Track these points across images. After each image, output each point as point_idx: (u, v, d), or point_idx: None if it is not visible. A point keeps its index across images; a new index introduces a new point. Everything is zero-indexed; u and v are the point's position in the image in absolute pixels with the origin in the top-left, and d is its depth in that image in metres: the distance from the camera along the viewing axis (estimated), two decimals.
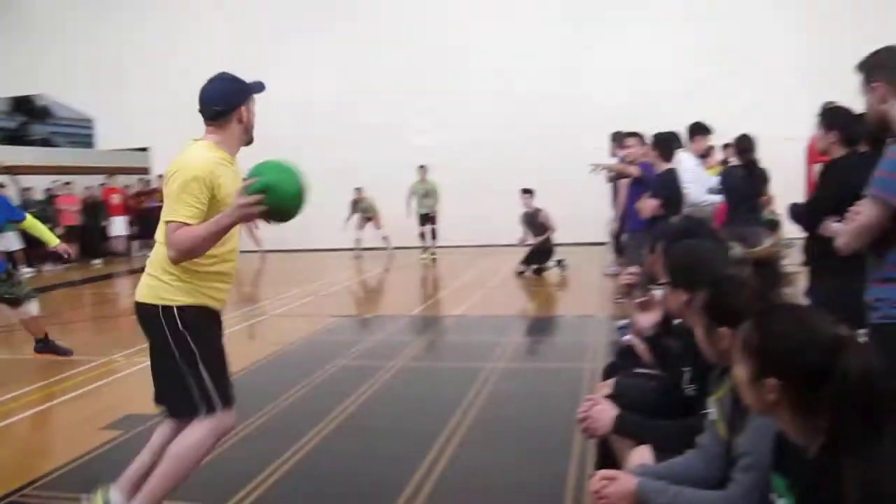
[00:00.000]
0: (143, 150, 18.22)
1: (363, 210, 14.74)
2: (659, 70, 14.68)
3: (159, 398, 3.13)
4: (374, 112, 16.02)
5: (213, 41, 16.71)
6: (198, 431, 3.00)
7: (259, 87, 3.32)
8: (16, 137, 20.36)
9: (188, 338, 2.99)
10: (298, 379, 5.57)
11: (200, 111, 3.13)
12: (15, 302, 6.71)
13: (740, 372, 1.66)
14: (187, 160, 2.97)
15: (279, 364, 6.39)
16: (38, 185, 16.30)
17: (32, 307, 6.74)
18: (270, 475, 3.75)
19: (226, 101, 3.11)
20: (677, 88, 14.56)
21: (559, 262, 10.80)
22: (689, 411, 2.46)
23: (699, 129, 7.38)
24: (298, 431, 4.36)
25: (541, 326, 7.43)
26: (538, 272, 11.04)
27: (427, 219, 14.09)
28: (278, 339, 7.24)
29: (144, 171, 18.28)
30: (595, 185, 14.19)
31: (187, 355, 2.97)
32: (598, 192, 14.13)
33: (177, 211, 2.82)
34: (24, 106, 22.16)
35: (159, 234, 2.99)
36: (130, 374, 6.25)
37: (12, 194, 15.16)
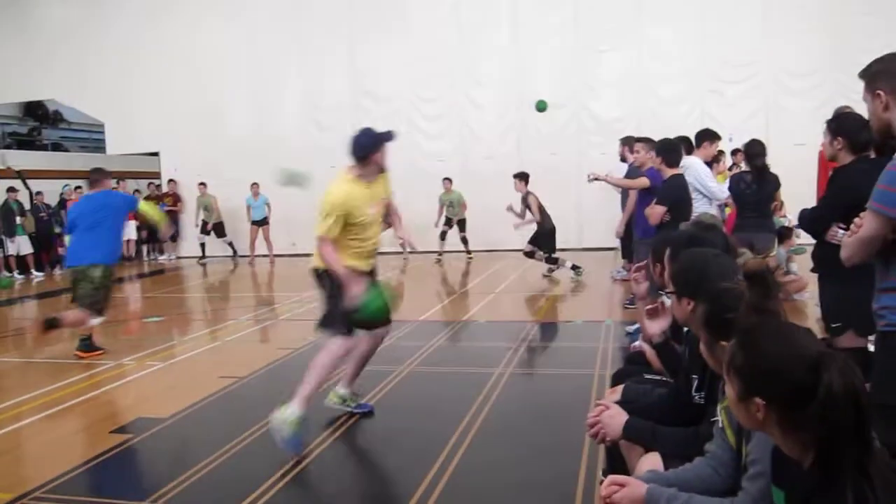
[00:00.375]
0: (154, 154, 18.31)
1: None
2: (667, 75, 14.68)
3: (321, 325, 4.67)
4: (383, 117, 16.06)
5: (223, 47, 16.81)
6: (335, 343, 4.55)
7: (389, 136, 4.57)
8: (27, 142, 20.49)
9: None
10: None
11: (350, 154, 4.54)
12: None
13: (729, 391, 1.68)
14: (332, 188, 4.50)
15: (290, 367, 6.38)
16: (50, 190, 16.40)
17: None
18: (282, 477, 3.77)
19: (364, 150, 4.50)
20: (686, 93, 14.59)
21: (575, 268, 10.77)
22: (698, 418, 2.47)
23: (707, 135, 7.38)
24: (310, 434, 4.37)
25: (550, 332, 7.42)
26: (550, 261, 11.12)
27: (453, 225, 14.59)
28: (289, 343, 7.26)
29: (155, 175, 18.36)
30: (603, 189, 14.25)
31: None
32: (606, 197, 14.16)
33: (320, 227, 4.45)
34: (36, 111, 22.30)
35: None
36: (141, 377, 6.29)
37: (23, 198, 15.31)
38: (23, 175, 16.63)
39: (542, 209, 11.33)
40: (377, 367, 6.05)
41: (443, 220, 14.65)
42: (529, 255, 11.41)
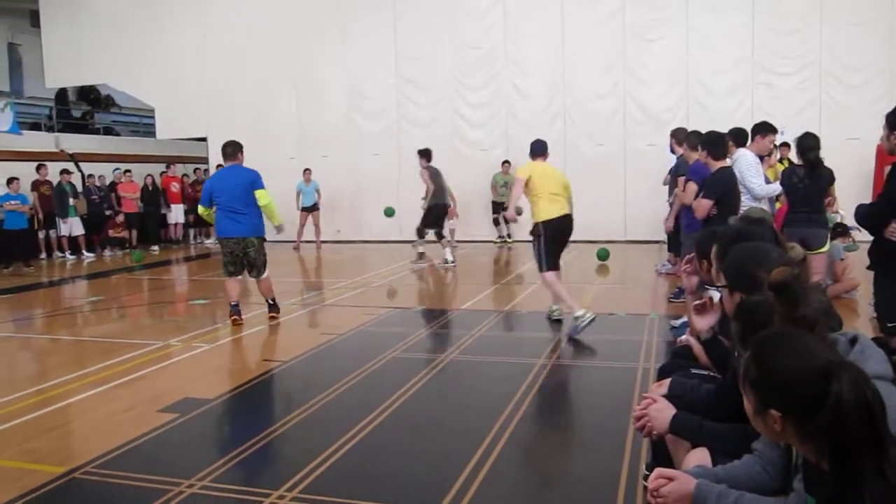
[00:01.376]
0: (202, 139, 18.58)
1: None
2: (717, 66, 14.40)
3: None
4: (426, 106, 16.07)
5: (269, 35, 16.97)
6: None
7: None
8: (80, 126, 20.90)
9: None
10: (350, 369, 5.64)
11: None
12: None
13: (747, 405, 1.69)
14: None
15: (332, 353, 6.48)
16: (101, 173, 16.76)
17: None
18: (321, 464, 3.80)
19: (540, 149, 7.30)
20: (736, 85, 14.30)
21: (446, 260, 11.72)
22: (745, 415, 2.42)
23: (762, 128, 7.22)
24: (349, 422, 4.40)
25: (594, 324, 7.36)
26: (438, 236, 12.30)
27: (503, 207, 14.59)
28: (332, 329, 7.34)
29: (202, 160, 18.64)
30: (648, 181, 14.09)
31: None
32: (652, 189, 13.99)
33: None
34: (89, 96, 22.75)
35: None
36: (187, 358, 6.40)
37: (76, 181, 15.66)
38: (76, 158, 17.01)
39: (437, 186, 12.29)
40: (417, 355, 6.10)
41: (490, 203, 14.97)
42: (420, 235, 12.55)
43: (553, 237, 6.96)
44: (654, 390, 3.00)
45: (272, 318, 7.80)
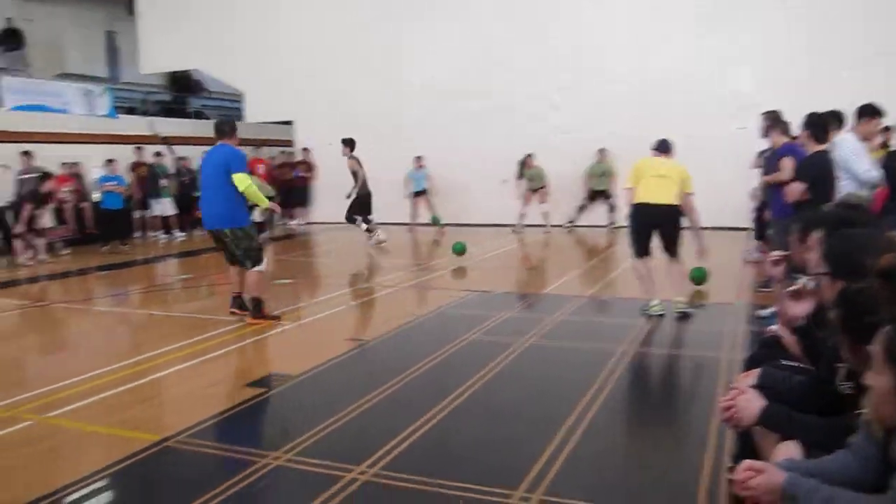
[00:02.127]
0: (288, 123, 18.98)
1: (530, 178, 14.76)
2: (793, 54, 13.80)
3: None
4: (510, 91, 15.96)
5: (354, 24, 17.17)
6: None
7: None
8: (172, 110, 21.66)
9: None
10: (430, 351, 5.69)
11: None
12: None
13: (881, 381, 1.59)
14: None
15: (413, 335, 6.55)
16: (192, 155, 17.32)
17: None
18: (400, 443, 3.86)
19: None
20: (818, 71, 13.63)
21: (379, 242, 12.48)
22: (840, 408, 2.34)
23: (869, 111, 6.87)
24: (429, 402, 4.46)
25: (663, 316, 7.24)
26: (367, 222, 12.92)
27: (601, 195, 14.75)
28: (414, 311, 7.42)
29: (288, 143, 19.04)
30: (735, 167, 13.64)
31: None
32: (739, 175, 13.54)
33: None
34: (180, 80, 23.53)
35: None
36: (274, 335, 6.58)
37: (168, 162, 16.24)
38: (168, 141, 17.62)
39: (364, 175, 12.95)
40: (498, 338, 6.10)
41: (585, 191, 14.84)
42: (350, 221, 12.93)
43: (636, 223, 7.01)
44: (742, 381, 2.92)
45: (250, 323, 6.84)
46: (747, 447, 2.80)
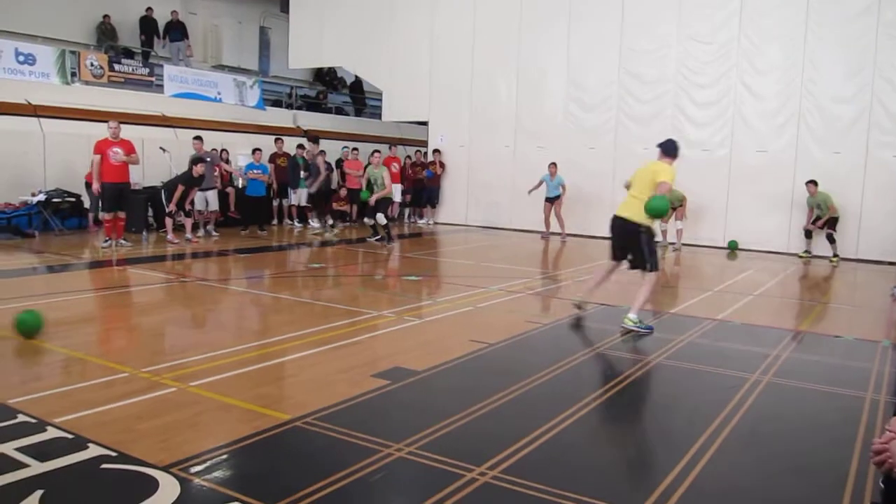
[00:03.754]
0: (423, 124, 19.34)
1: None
2: None
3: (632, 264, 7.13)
4: (647, 101, 15.62)
5: (496, 26, 17.31)
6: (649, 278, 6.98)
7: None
8: (315, 105, 22.52)
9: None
10: (554, 359, 5.66)
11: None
12: None
13: None
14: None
15: (537, 342, 6.53)
16: (331, 149, 17.96)
17: None
18: (522, 448, 3.85)
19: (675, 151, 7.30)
20: None
21: (331, 226, 13.68)
22: None
23: None
24: (552, 410, 4.43)
25: (814, 344, 6.84)
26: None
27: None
28: (538, 317, 7.40)
29: (423, 143, 19.41)
30: (890, 195, 12.82)
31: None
32: (890, 206, 12.74)
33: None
34: (324, 77, 24.43)
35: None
36: (400, 329, 6.73)
37: (307, 155, 16.90)
38: (309, 134, 18.33)
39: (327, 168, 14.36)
40: (623, 354, 5.98)
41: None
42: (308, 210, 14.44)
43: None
44: None
45: None
46: (894, 495, 2.62)
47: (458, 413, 4.34)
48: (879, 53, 13.30)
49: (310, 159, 15.36)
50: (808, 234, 13.73)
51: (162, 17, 19.25)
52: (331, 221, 15.42)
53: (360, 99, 24.38)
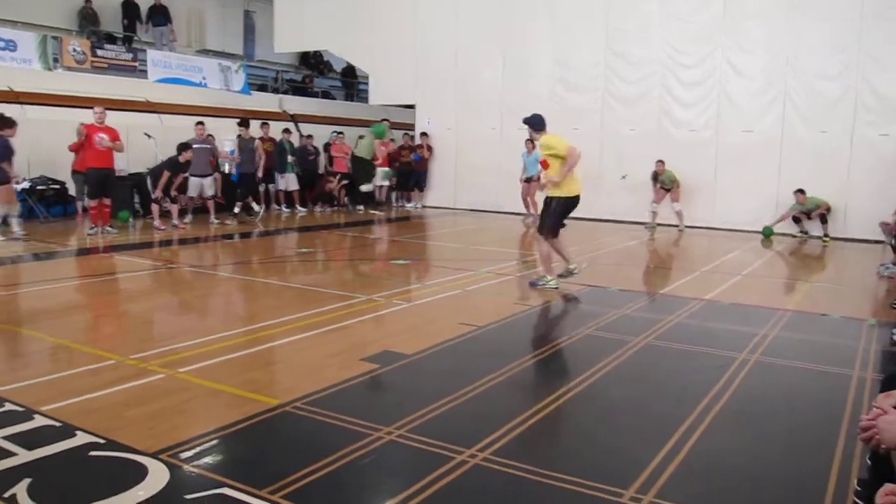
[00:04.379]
0: (410, 107, 19.25)
1: (662, 182, 14.60)
2: None
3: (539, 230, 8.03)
4: (634, 81, 15.59)
5: (481, 7, 17.20)
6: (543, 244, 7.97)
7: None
8: (301, 89, 22.34)
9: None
10: (543, 341, 5.70)
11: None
12: None
13: None
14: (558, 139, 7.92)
15: (526, 324, 6.56)
16: (318, 134, 17.85)
17: None
18: (512, 430, 3.86)
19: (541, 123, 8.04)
20: None
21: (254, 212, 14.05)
22: None
23: None
24: (541, 392, 4.46)
25: (801, 323, 6.88)
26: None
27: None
28: (526, 300, 7.41)
29: (410, 126, 19.32)
30: (876, 174, 12.89)
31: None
32: (879, 184, 12.81)
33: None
34: (309, 61, 24.24)
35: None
36: (389, 313, 6.72)
37: (294, 140, 16.79)
38: (296, 118, 18.21)
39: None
40: (612, 335, 6.00)
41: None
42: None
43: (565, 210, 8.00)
44: (883, 401, 2.75)
45: None
46: (882, 470, 2.64)
47: (448, 396, 4.34)
48: (863, 31, 13.29)
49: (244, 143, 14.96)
50: (797, 220, 13.78)
51: (144, 2, 19.01)
52: (257, 207, 15.04)
53: (353, 83, 24.20)
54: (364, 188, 14.21)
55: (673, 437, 3.82)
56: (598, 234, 13.50)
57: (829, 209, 13.37)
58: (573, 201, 7.89)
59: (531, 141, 15.29)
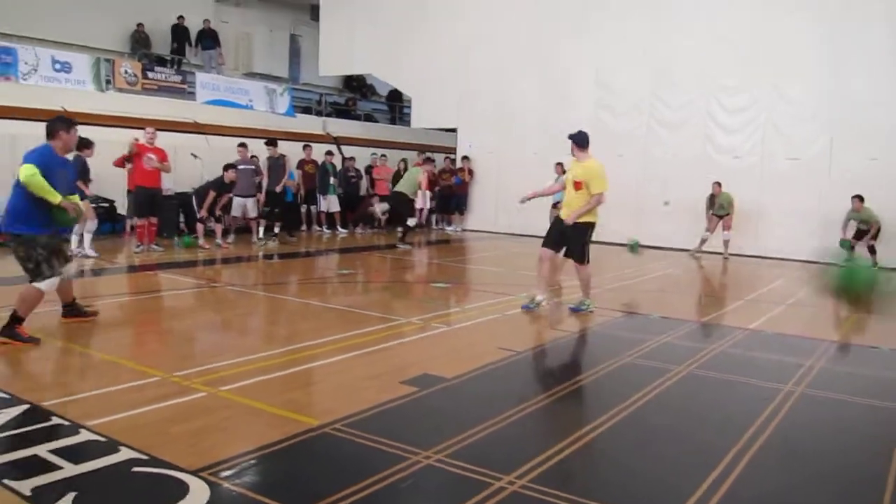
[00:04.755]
0: (452, 130, 19.37)
1: (718, 206, 14.22)
2: None
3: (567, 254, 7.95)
4: (679, 107, 15.50)
5: (524, 33, 17.32)
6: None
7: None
8: (344, 111, 22.63)
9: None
10: (584, 368, 5.66)
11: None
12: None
13: None
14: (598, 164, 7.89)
15: (565, 350, 6.52)
16: (360, 156, 18.04)
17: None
18: (552, 457, 3.82)
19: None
20: None
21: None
22: None
23: None
24: (583, 419, 4.42)
25: (850, 355, 6.72)
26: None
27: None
28: (565, 326, 7.36)
29: (451, 150, 19.43)
30: None
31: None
32: None
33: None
34: (353, 84, 24.57)
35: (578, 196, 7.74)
36: (427, 337, 6.72)
37: (336, 161, 16.99)
38: (338, 141, 18.45)
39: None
40: (652, 363, 5.92)
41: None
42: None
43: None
44: None
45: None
46: None
47: (487, 421, 4.32)
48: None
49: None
50: (852, 247, 13.14)
51: (194, 26, 19.49)
52: (272, 231, 14.68)
53: (398, 107, 24.43)
54: (411, 222, 14.26)
55: (717, 469, 3.74)
56: (642, 260, 13.36)
57: (880, 229, 13.00)
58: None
59: (561, 165, 15.30)
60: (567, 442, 4.04)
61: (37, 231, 5.87)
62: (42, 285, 5.94)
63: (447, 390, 5.02)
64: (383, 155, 17.92)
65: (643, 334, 6.97)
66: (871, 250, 13.02)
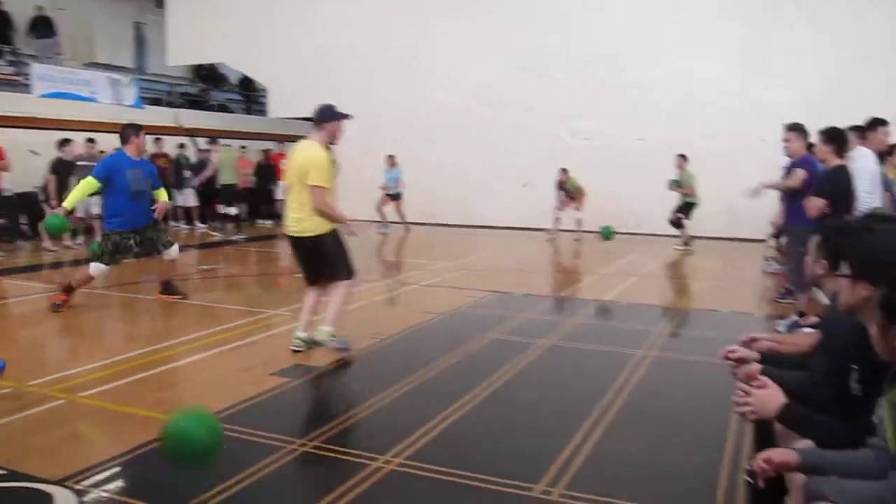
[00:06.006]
0: (309, 120, 19.07)
1: (566, 190, 14.75)
2: (825, 70, 13.73)
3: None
4: (534, 96, 16.00)
5: (377, 24, 17.27)
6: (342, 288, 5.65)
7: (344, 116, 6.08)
8: (196, 102, 21.81)
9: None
10: (451, 347, 5.79)
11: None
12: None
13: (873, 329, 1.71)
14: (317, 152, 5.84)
15: (433, 332, 6.65)
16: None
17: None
18: (423, 435, 3.95)
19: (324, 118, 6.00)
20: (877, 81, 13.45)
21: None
22: (852, 409, 2.37)
23: (879, 123, 6.92)
24: (450, 397, 4.56)
25: (694, 319, 7.27)
26: None
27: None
28: (432, 309, 7.52)
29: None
30: (758, 178, 13.59)
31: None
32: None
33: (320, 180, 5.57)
34: (205, 74, 23.71)
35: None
36: (295, 327, 6.66)
37: (191, 154, 16.43)
38: (192, 133, 17.81)
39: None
40: (517, 338, 6.19)
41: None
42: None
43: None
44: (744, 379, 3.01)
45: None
46: (766, 446, 2.85)
47: (359, 406, 4.40)
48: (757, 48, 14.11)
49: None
50: (678, 224, 13.14)
51: (23, 13, 18.14)
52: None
53: (253, 96, 23.74)
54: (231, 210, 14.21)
55: (579, 432, 4.00)
56: (497, 240, 13.78)
57: (691, 205, 13.11)
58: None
59: (392, 157, 15.58)
60: (438, 419, 4.18)
61: None
62: None
63: (318, 379, 5.05)
64: (243, 147, 17.46)
65: (507, 311, 7.24)
66: (677, 224, 13.12)
